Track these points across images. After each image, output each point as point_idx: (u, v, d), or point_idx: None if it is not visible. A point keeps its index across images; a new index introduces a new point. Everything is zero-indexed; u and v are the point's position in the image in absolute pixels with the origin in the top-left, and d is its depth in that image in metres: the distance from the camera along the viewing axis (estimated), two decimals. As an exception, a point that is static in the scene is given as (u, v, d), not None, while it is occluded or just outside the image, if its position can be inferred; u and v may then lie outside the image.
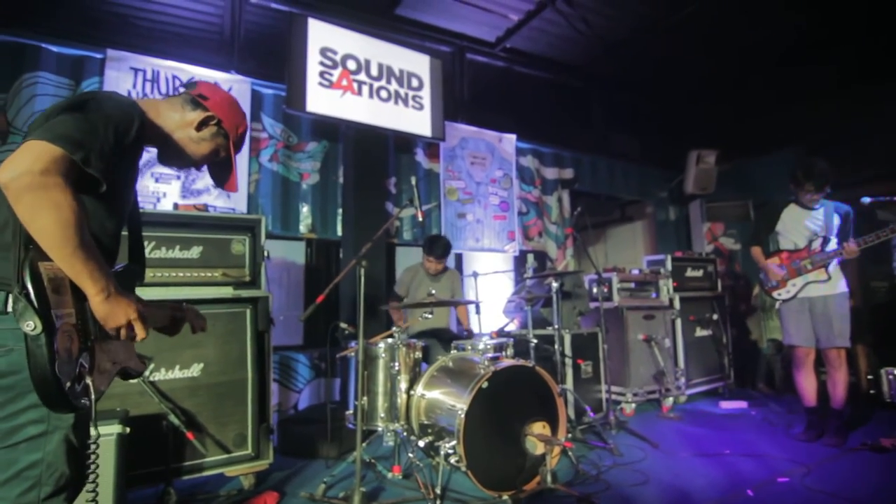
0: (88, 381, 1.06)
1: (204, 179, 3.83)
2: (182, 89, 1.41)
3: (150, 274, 2.53)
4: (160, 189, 3.68)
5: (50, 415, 1.08)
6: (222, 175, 1.50)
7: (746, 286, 5.85)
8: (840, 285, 3.22)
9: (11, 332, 1.01)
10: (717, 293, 5.13)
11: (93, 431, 1.14)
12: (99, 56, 3.56)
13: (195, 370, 2.56)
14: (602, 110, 6.31)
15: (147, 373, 2.42)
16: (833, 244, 3.19)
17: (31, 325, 0.97)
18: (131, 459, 2.11)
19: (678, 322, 4.68)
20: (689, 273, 5.00)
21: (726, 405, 4.34)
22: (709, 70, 5.61)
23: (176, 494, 2.33)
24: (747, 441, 3.30)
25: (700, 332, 4.85)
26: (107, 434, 1.90)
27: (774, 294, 3.38)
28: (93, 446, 1.15)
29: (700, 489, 2.50)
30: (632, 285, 4.64)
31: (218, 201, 3.86)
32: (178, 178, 3.75)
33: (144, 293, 2.42)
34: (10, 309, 1.01)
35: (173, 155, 1.39)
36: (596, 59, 5.46)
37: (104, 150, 1.09)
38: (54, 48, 3.46)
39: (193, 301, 2.57)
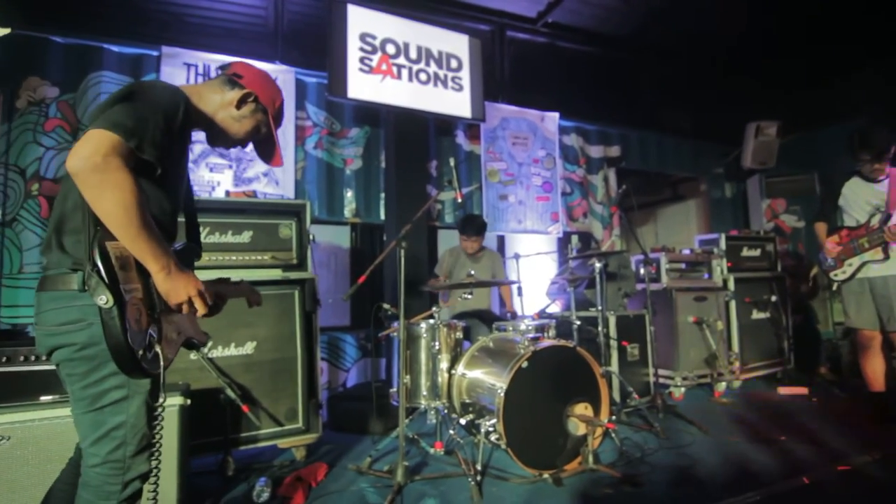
0: (158, 349, 1.16)
1: (254, 168, 4.00)
2: (219, 72, 1.48)
3: (204, 257, 2.67)
4: (214, 178, 3.87)
5: (129, 380, 1.19)
6: (267, 151, 1.57)
7: (810, 266, 5.49)
8: None
9: (90, 307, 1.10)
10: (777, 274, 4.85)
11: (160, 398, 1.25)
12: (155, 53, 3.76)
13: (249, 348, 2.71)
14: (650, 83, 6.01)
15: (206, 350, 2.59)
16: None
17: (104, 299, 1.07)
18: (193, 430, 2.28)
19: (732, 304, 4.47)
20: (746, 253, 4.74)
21: (785, 391, 4.13)
22: (768, 35, 5.21)
23: (234, 463, 2.51)
24: (806, 428, 3.14)
25: (757, 315, 4.62)
26: (170, 405, 2.06)
27: (831, 275, 3.17)
28: (159, 410, 1.26)
29: (751, 475, 2.41)
30: (682, 266, 4.46)
31: (268, 188, 4.02)
32: (231, 167, 3.93)
33: (201, 276, 2.60)
34: (86, 287, 1.11)
35: (219, 135, 1.46)
36: (643, 30, 5.20)
37: (156, 136, 1.16)
38: (115, 48, 3.69)
39: (245, 283, 2.74)
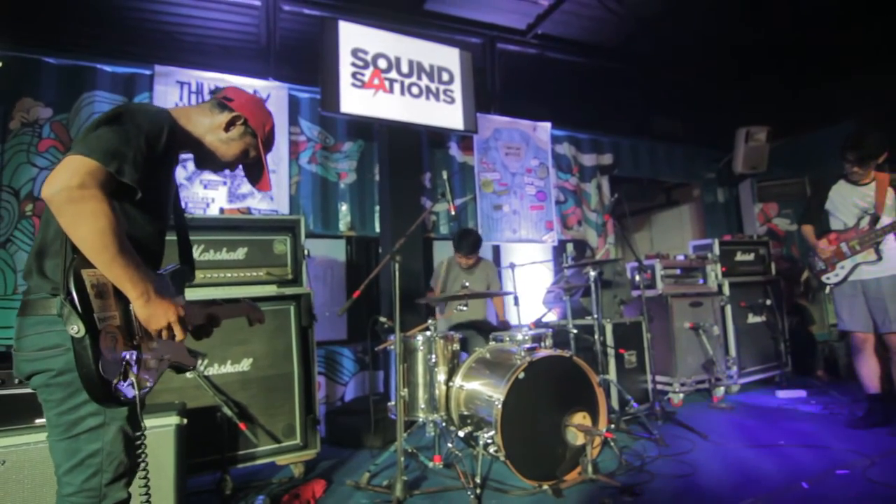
0: (133, 378, 1.14)
1: (248, 184, 4.00)
2: (209, 96, 1.49)
3: (199, 275, 2.69)
4: (208, 195, 3.87)
5: (105, 408, 1.18)
6: (255, 175, 1.56)
7: (802, 270, 5.53)
8: (893, 265, 3.00)
9: (67, 333, 1.09)
10: (771, 277, 4.87)
11: (140, 425, 1.22)
12: (147, 72, 3.78)
13: (245, 364, 2.71)
14: (641, 92, 6.08)
15: (201, 368, 2.58)
16: (884, 222, 2.98)
17: (76, 328, 1.06)
18: (190, 449, 2.27)
19: (728, 308, 4.49)
20: (740, 257, 4.77)
21: (783, 394, 4.14)
22: (756, 40, 5.29)
23: (232, 481, 2.48)
24: (805, 432, 3.14)
25: (753, 319, 4.63)
26: (166, 425, 2.05)
27: (823, 278, 3.20)
28: (141, 438, 1.23)
29: (751, 481, 2.41)
30: (677, 272, 4.49)
31: (262, 204, 4.03)
32: (225, 183, 3.94)
33: (196, 294, 2.60)
34: (61, 314, 1.09)
35: (207, 158, 1.45)
36: (632, 39, 5.27)
37: (137, 159, 1.16)
38: (108, 68, 3.71)
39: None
